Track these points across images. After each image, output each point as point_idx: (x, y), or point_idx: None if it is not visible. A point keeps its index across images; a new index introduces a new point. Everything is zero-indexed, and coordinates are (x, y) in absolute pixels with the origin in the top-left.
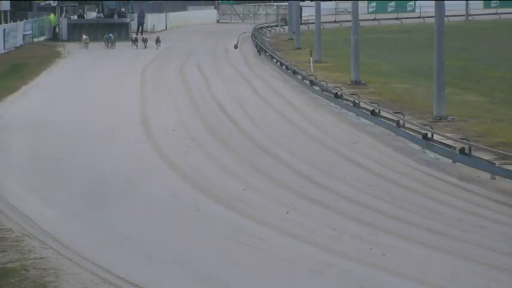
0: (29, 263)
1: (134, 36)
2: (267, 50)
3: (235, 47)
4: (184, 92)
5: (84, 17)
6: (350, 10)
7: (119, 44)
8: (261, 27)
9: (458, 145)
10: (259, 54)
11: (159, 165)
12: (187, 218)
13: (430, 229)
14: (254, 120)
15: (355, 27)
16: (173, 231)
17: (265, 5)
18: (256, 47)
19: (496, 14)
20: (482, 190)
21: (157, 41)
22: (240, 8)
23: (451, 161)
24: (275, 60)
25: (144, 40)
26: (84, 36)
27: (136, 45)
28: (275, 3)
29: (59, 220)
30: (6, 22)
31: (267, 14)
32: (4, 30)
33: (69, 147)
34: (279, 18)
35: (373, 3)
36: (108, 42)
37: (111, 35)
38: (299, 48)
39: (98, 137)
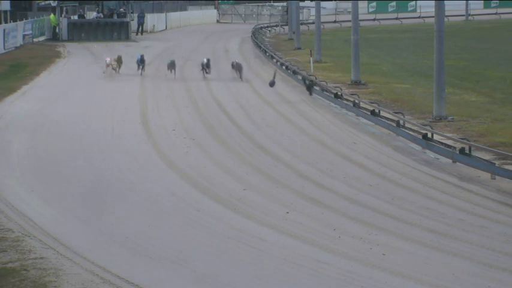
0: (29, 263)
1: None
2: (267, 50)
3: (272, 84)
4: (184, 92)
5: (84, 17)
6: (350, 10)
7: (118, 44)
8: (261, 27)
9: (458, 145)
10: (310, 94)
11: (159, 165)
12: (187, 218)
13: (430, 229)
14: (254, 120)
15: (355, 27)
16: (173, 231)
17: (271, 6)
18: (305, 82)
19: (496, 14)
20: (482, 190)
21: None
22: (242, 8)
23: (451, 161)
24: (275, 60)
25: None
26: (108, 59)
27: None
28: (279, 4)
29: (59, 220)
30: (6, 22)
31: (271, 15)
32: (4, 30)
33: (69, 147)
34: (285, 18)
35: (373, 3)
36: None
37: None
38: (299, 48)
39: (98, 137)
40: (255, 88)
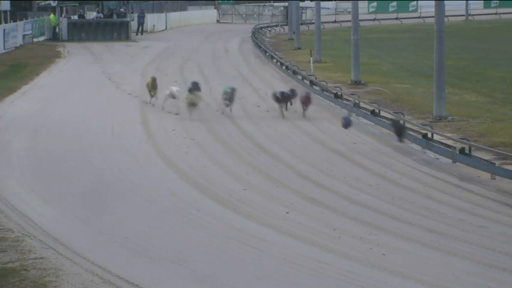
0: (29, 263)
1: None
2: (267, 50)
3: (347, 124)
4: (184, 92)
5: (84, 17)
6: (350, 10)
7: (118, 44)
8: (261, 27)
9: (458, 145)
10: (400, 140)
11: (159, 165)
12: (187, 218)
13: (430, 229)
14: (254, 120)
15: (355, 27)
16: (173, 231)
17: (271, 6)
18: (394, 126)
19: (496, 14)
20: (482, 190)
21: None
22: (242, 8)
23: (451, 161)
24: (275, 60)
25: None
26: (156, 87)
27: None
28: (281, 4)
29: (59, 220)
30: (6, 22)
31: (272, 15)
32: (4, 30)
33: (69, 147)
34: (286, 18)
35: (374, 3)
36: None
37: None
38: (299, 48)
39: (98, 137)
40: (255, 88)
